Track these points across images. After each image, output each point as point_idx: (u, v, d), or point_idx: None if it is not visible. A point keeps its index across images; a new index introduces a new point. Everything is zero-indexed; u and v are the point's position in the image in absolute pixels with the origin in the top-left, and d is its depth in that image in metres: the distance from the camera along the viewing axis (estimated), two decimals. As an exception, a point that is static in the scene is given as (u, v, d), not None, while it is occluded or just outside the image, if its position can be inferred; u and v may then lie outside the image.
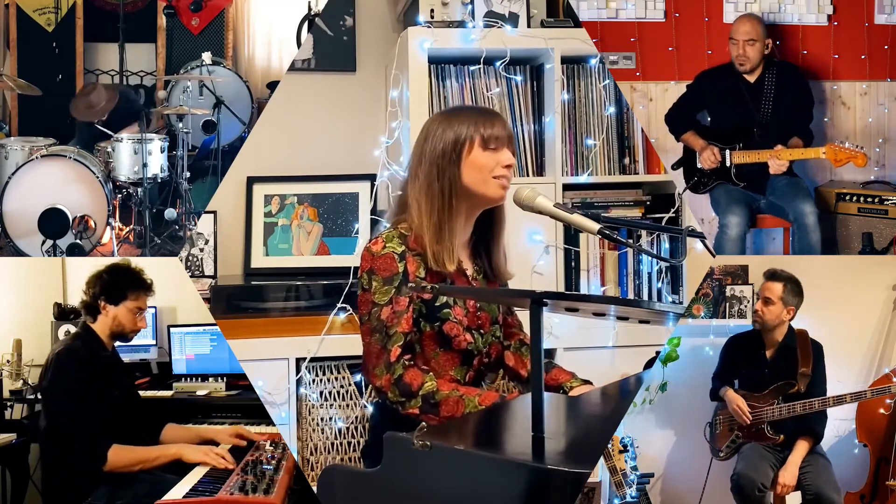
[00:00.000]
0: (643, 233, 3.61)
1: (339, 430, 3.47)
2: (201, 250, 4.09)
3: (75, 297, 4.25)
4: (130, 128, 4.79)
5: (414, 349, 2.28)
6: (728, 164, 4.01)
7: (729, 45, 4.08)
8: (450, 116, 2.31)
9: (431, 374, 2.23)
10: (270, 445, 3.12)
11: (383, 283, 2.22)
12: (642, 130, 3.82)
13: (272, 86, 4.92)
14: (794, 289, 3.55)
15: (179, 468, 2.92)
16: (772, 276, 3.58)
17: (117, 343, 3.18)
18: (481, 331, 2.34)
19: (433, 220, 2.24)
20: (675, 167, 4.05)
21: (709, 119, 4.20)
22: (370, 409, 3.36)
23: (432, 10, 3.63)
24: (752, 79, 4.08)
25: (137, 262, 4.09)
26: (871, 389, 3.50)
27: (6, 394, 3.79)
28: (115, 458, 2.84)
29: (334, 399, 3.48)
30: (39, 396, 3.53)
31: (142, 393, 3.79)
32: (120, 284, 3.08)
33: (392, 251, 2.23)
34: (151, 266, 3.26)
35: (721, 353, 3.71)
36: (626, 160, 3.79)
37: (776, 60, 4.11)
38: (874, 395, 3.49)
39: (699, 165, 4.04)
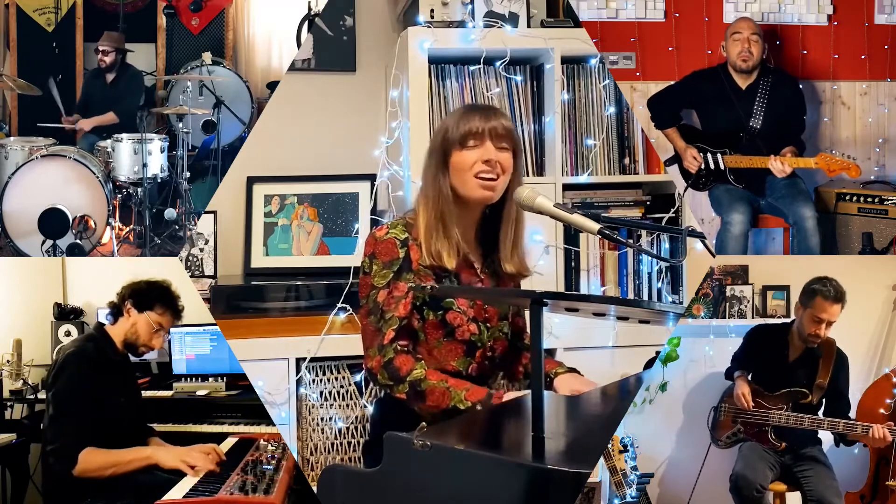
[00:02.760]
0: (643, 233, 3.61)
1: (339, 430, 3.47)
2: (201, 250, 4.09)
3: (75, 297, 4.26)
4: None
5: (416, 336, 2.30)
6: (722, 167, 4.02)
7: (728, 43, 4.06)
8: (447, 117, 2.37)
9: (423, 362, 2.25)
10: (271, 445, 3.12)
11: (382, 266, 2.27)
12: (642, 130, 3.81)
13: (272, 86, 4.93)
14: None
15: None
16: (836, 297, 3.43)
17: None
18: (488, 324, 2.36)
19: (429, 219, 2.29)
20: (668, 163, 4.04)
21: (698, 121, 4.21)
22: (370, 408, 3.36)
23: (432, 10, 3.62)
24: (744, 84, 4.07)
25: (138, 261, 4.11)
26: (886, 427, 3.35)
27: (6, 394, 3.80)
28: (87, 462, 2.80)
29: (334, 399, 3.48)
30: (44, 396, 3.53)
31: (142, 393, 3.79)
32: (151, 294, 3.10)
33: (394, 237, 2.28)
34: (151, 266, 3.26)
35: (744, 338, 3.66)
36: (626, 160, 3.79)
37: (772, 67, 4.11)
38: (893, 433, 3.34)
39: (688, 169, 4.06)
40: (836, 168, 3.84)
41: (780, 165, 3.85)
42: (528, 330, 2.05)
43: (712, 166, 4.04)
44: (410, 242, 2.29)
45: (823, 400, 3.51)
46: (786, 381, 3.49)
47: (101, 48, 4.91)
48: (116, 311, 3.11)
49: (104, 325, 3.14)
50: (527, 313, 1.84)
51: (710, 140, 4.06)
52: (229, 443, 3.32)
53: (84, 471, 2.81)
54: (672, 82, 4.24)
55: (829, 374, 3.45)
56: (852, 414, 3.62)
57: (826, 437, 3.55)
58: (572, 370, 2.44)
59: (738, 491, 3.38)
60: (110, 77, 4.94)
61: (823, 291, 3.45)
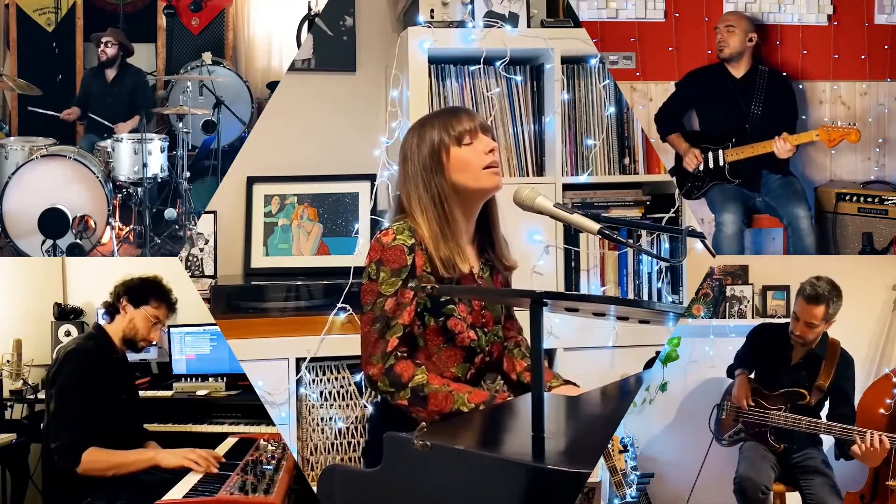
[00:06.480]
0: (643, 233, 3.61)
1: (339, 430, 3.47)
2: (201, 250, 4.09)
3: (75, 297, 4.26)
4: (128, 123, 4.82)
5: (416, 343, 2.29)
6: (721, 163, 4.04)
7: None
8: (420, 129, 2.36)
9: (423, 367, 2.24)
10: (271, 445, 3.12)
11: (391, 274, 2.23)
12: (642, 130, 3.82)
13: (272, 86, 4.93)
14: (835, 298, 3.34)
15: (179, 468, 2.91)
16: (814, 298, 3.33)
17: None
18: (485, 329, 2.36)
19: (434, 229, 2.27)
20: (671, 173, 4.06)
21: (697, 122, 4.22)
22: (370, 409, 3.36)
23: (432, 10, 3.63)
24: (737, 74, 4.12)
25: (138, 261, 4.11)
26: (887, 435, 3.26)
27: (6, 394, 3.80)
28: (90, 461, 2.83)
29: (334, 399, 3.48)
30: (44, 396, 3.53)
31: (142, 393, 3.80)
32: (145, 289, 3.13)
33: (402, 243, 2.25)
34: (151, 266, 3.26)
35: (748, 336, 3.61)
36: (626, 160, 3.79)
37: (766, 69, 4.13)
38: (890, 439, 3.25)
39: (686, 168, 4.07)
40: (836, 137, 3.91)
41: (783, 144, 3.89)
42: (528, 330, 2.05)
43: (712, 164, 4.05)
44: (417, 249, 2.26)
45: (827, 403, 3.49)
46: (787, 382, 3.47)
47: (104, 39, 4.88)
48: (112, 309, 3.14)
49: (102, 324, 3.15)
50: (526, 314, 1.83)
51: (713, 139, 4.08)
52: (229, 443, 3.32)
53: (87, 469, 2.83)
54: (672, 82, 4.24)
55: (831, 377, 3.43)
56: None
57: (826, 436, 3.54)
58: (568, 382, 2.43)
59: (744, 493, 3.32)
60: (111, 74, 4.93)
61: (803, 290, 3.39)
